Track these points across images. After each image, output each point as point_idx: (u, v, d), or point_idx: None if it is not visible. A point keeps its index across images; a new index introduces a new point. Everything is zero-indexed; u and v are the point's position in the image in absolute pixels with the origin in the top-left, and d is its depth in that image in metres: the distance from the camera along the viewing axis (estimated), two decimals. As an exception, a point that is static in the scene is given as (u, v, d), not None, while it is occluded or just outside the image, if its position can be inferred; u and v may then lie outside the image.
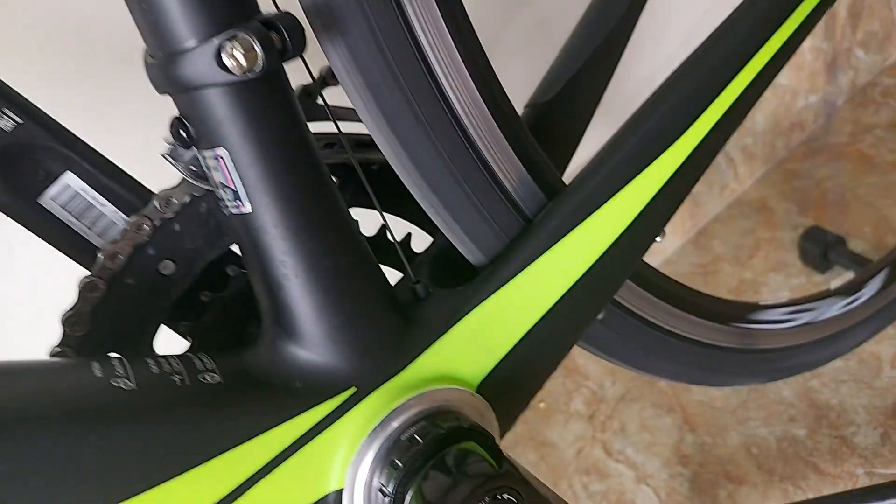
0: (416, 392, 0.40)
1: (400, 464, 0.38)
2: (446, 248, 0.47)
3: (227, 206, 0.38)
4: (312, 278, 0.38)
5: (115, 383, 0.35)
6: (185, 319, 0.46)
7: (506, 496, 0.36)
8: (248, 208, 0.37)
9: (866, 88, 1.19)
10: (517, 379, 0.44)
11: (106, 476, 0.33)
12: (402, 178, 0.43)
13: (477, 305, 0.42)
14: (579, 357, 1.05)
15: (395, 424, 0.39)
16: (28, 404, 0.33)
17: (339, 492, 0.39)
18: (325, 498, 0.38)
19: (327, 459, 0.38)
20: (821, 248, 0.93)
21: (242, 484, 0.36)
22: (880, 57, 1.22)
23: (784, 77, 1.11)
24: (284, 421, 0.37)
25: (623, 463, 0.91)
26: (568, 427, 0.98)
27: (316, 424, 0.38)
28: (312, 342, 0.38)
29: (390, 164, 0.43)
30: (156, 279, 0.44)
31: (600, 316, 0.50)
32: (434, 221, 0.44)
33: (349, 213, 0.40)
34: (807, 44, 1.15)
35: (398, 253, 0.43)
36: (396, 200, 0.49)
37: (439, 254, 0.49)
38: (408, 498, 0.37)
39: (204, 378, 0.37)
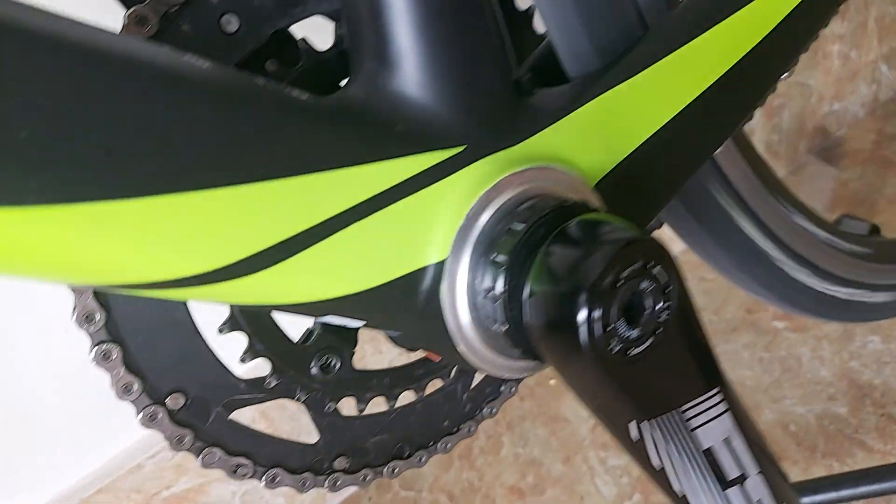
0: (533, 164, 0.33)
1: (519, 228, 0.30)
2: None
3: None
4: (429, 5, 0.31)
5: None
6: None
7: (656, 271, 0.29)
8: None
9: (888, 103, 1.18)
10: (640, 185, 0.37)
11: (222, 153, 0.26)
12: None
13: (600, 95, 0.35)
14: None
15: (510, 193, 0.32)
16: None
17: (442, 264, 0.31)
18: (425, 269, 0.31)
19: (430, 219, 0.30)
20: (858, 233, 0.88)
21: (334, 219, 0.28)
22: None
23: (812, 78, 1.09)
24: (386, 159, 0.29)
25: (644, 439, 0.82)
26: (578, 409, 0.90)
27: (420, 174, 0.30)
28: (419, 81, 0.31)
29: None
30: (216, 33, 0.37)
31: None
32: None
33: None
34: (836, 48, 1.15)
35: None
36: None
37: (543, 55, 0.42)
38: (528, 275, 0.29)
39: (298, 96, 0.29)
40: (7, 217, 0.21)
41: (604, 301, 0.27)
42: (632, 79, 0.37)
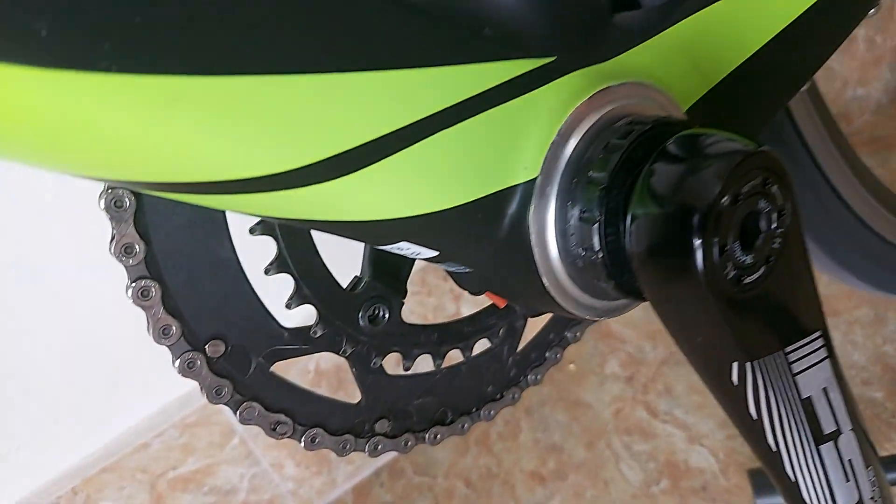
0: (627, 80, 0.30)
1: (620, 143, 0.27)
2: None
3: None
4: None
5: None
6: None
7: (774, 189, 0.26)
8: None
9: (910, 93, 1.16)
10: (730, 114, 0.34)
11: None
12: None
13: (693, 13, 0.32)
14: (613, 322, 0.96)
15: (605, 108, 0.29)
16: None
17: (532, 183, 0.28)
18: (513, 190, 0.28)
19: (520, 134, 0.27)
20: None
21: (421, 122, 0.25)
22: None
23: (837, 62, 1.08)
24: (475, 62, 0.26)
25: (670, 423, 0.80)
26: (603, 388, 0.87)
27: (508, 82, 0.27)
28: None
29: None
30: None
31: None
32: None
33: None
34: (861, 31, 1.13)
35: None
36: None
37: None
38: (631, 196, 0.26)
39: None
40: (71, 80, 0.18)
41: (722, 221, 0.25)
42: None
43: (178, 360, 0.35)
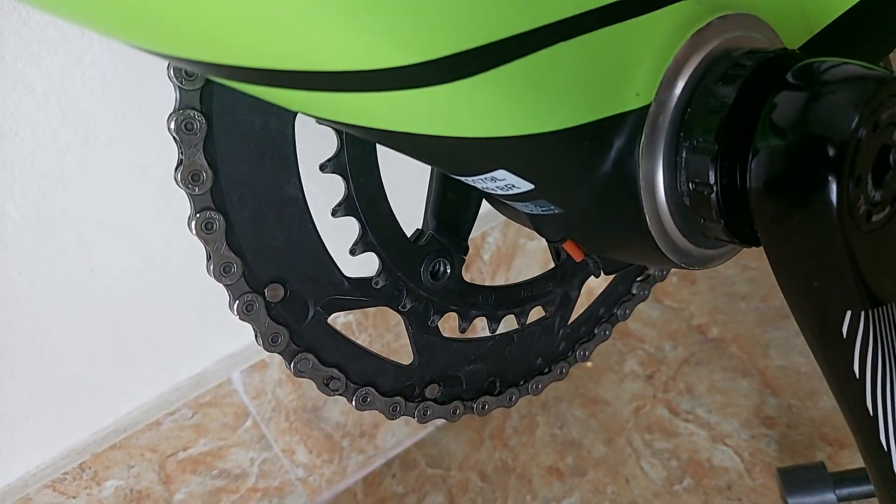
0: (742, 11, 0.28)
1: (741, 72, 0.25)
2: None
3: None
4: None
5: None
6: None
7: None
8: None
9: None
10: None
11: None
12: None
13: None
14: (632, 321, 0.94)
15: (722, 36, 0.27)
16: None
17: (644, 110, 0.26)
18: (624, 116, 0.26)
19: (635, 56, 0.26)
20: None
21: (539, 31, 0.23)
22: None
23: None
24: None
25: (693, 422, 0.78)
26: (622, 386, 0.85)
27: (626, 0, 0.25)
28: None
29: None
30: None
31: None
32: None
33: None
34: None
35: None
36: None
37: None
38: (754, 127, 0.24)
39: None
40: None
41: (859, 151, 0.23)
42: None
43: (237, 302, 0.32)
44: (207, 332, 0.75)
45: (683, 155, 0.26)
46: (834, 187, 0.23)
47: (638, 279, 0.48)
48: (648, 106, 0.26)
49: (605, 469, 0.78)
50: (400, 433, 0.86)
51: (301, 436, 0.81)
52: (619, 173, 0.26)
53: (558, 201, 0.28)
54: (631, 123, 0.26)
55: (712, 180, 0.25)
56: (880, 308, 0.26)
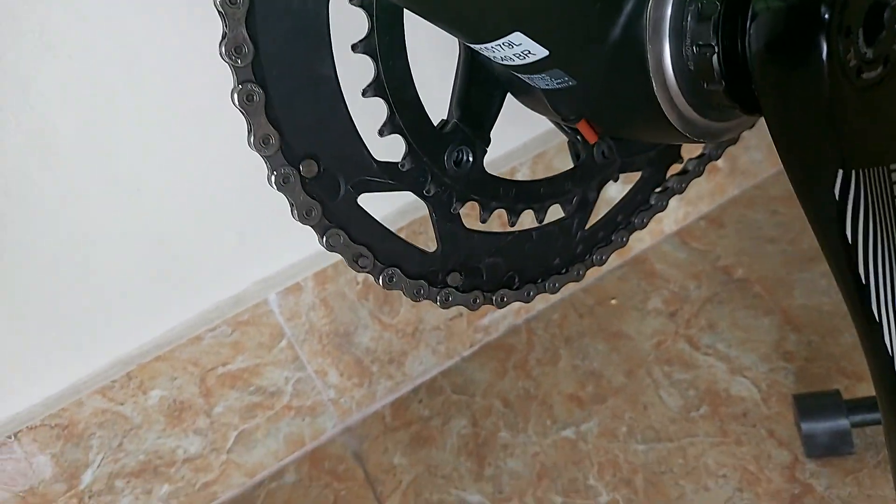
0: None
1: None
2: None
3: None
4: None
5: None
6: None
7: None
8: None
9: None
10: None
11: None
12: None
13: None
14: (657, 262, 0.95)
15: None
16: None
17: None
18: None
19: None
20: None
21: None
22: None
23: None
24: None
25: (713, 356, 0.80)
26: (645, 322, 0.87)
27: None
28: None
29: None
30: None
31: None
32: None
33: None
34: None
35: None
36: None
37: None
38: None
39: None
40: None
41: (848, 4, 0.24)
42: None
43: (275, 174, 0.35)
44: (246, 256, 0.79)
45: (688, 19, 0.27)
46: (822, 38, 0.24)
47: (656, 189, 0.50)
48: (656, -31, 0.28)
49: (624, 397, 0.80)
50: (427, 362, 0.89)
51: (333, 359, 0.85)
52: (628, 37, 0.28)
53: (572, 70, 0.30)
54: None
55: (714, 42, 0.27)
56: (874, 170, 0.28)
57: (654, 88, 0.29)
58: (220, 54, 0.33)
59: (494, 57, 0.31)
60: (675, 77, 0.29)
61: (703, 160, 0.51)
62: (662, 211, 0.51)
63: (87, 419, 0.75)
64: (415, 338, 0.90)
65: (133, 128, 0.68)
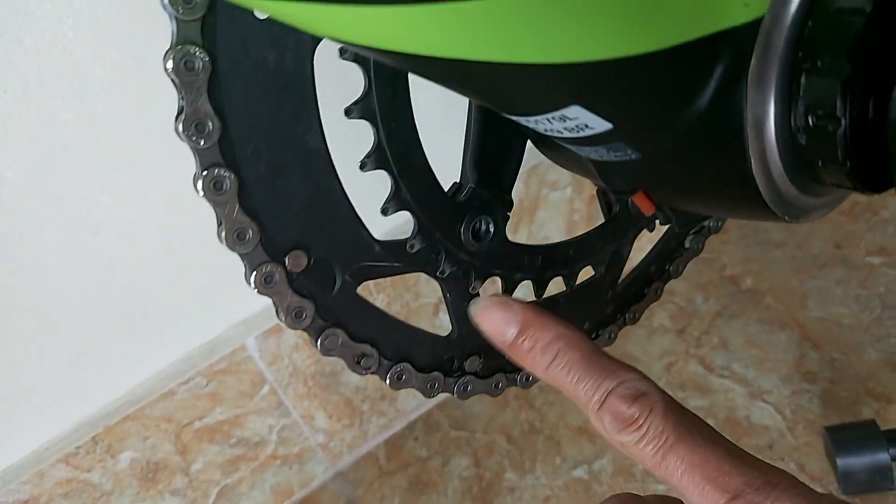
0: None
1: None
2: None
3: None
4: None
5: None
6: None
7: None
8: None
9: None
10: None
11: None
12: None
13: None
14: (659, 273, 0.89)
15: None
16: None
17: (755, 25, 0.21)
18: (729, 34, 0.20)
19: None
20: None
21: None
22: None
23: None
24: None
25: (729, 378, 0.74)
26: (652, 341, 0.81)
27: None
28: None
29: None
30: None
31: None
32: None
33: None
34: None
35: None
36: None
37: None
38: None
39: None
40: None
41: None
42: None
43: (255, 273, 0.28)
44: (219, 297, 0.70)
45: (802, 80, 0.20)
46: None
47: (692, 231, 0.43)
48: (760, 19, 0.21)
49: (638, 429, 0.74)
50: (421, 395, 0.82)
51: (320, 401, 0.77)
52: (721, 106, 0.21)
53: (639, 144, 0.23)
54: (738, 42, 0.21)
55: (840, 111, 0.20)
56: None
57: (752, 166, 0.22)
58: (177, 132, 0.25)
59: (536, 128, 0.24)
60: (780, 153, 0.22)
61: (740, 193, 0.44)
62: (698, 255, 0.45)
63: (51, 491, 0.67)
64: (407, 371, 0.83)
65: (87, 165, 0.59)
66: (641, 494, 0.27)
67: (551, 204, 0.83)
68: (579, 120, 0.22)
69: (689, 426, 0.23)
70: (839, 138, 0.20)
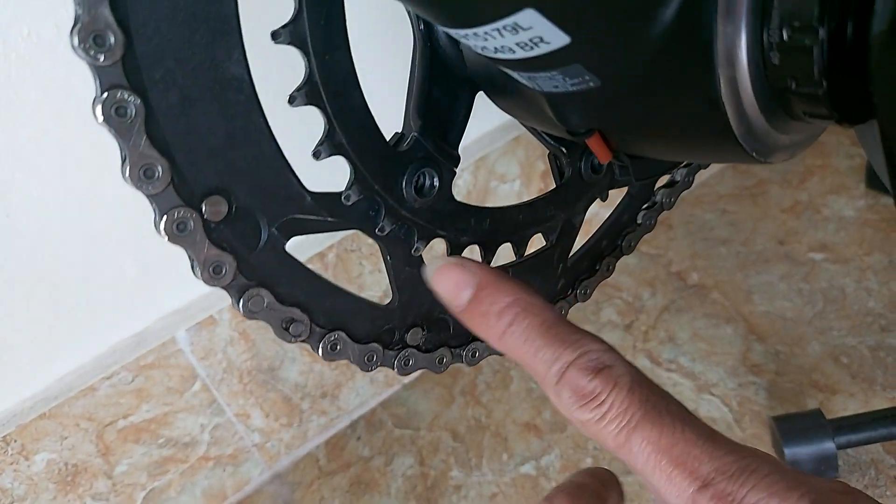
0: None
1: None
2: None
3: None
4: None
5: None
6: None
7: None
8: None
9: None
10: None
11: None
12: None
13: None
14: (606, 270, 0.88)
15: None
16: None
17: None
18: None
19: None
20: None
21: None
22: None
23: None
24: None
25: (676, 372, 0.73)
26: (600, 336, 0.79)
27: None
28: None
29: None
30: None
31: None
32: None
33: None
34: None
35: None
36: None
37: None
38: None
39: None
40: None
41: None
42: None
43: (165, 218, 0.24)
44: (147, 285, 0.66)
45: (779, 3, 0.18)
46: None
47: (644, 207, 0.41)
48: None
49: (586, 424, 0.72)
50: (364, 392, 0.79)
51: (256, 398, 0.73)
52: (688, 20, 0.19)
53: (598, 66, 0.21)
54: None
55: (817, 20, 0.18)
56: None
57: (720, 89, 0.19)
58: (73, 46, 0.21)
59: (483, 48, 0.21)
60: (751, 75, 0.20)
61: (692, 168, 0.43)
62: (650, 231, 0.43)
63: (-45, 497, 0.61)
64: (349, 367, 0.79)
65: (-7, 141, 0.54)
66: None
67: (500, 196, 0.81)
68: (534, 31, 0.19)
69: (657, 404, 0.21)
70: (815, 54, 0.18)
